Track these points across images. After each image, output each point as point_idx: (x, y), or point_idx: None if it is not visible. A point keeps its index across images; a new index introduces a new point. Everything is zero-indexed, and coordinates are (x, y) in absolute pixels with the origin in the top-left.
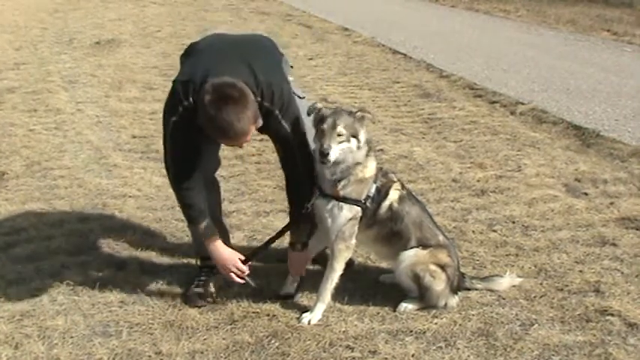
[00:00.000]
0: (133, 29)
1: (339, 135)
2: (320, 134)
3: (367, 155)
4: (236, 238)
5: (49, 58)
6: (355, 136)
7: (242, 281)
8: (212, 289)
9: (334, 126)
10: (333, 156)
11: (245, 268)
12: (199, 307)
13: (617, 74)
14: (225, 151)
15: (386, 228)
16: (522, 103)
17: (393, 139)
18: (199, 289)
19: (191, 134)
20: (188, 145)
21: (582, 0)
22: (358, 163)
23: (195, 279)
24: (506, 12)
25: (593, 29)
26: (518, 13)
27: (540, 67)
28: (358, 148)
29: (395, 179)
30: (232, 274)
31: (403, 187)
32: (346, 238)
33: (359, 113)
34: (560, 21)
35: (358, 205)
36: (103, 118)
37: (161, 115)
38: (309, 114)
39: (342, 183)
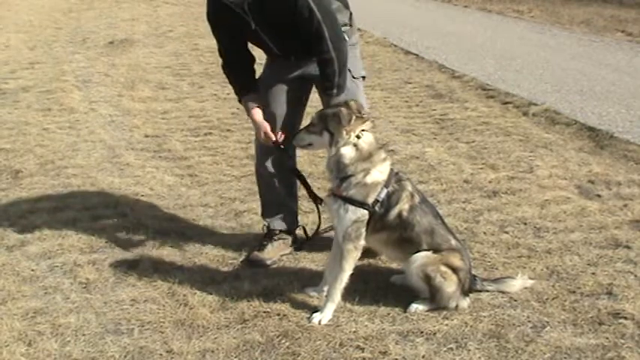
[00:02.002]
0: (146, 29)
1: (312, 124)
2: None
3: (368, 160)
4: (247, 237)
5: (63, 58)
6: (327, 130)
7: (271, 142)
8: (270, 253)
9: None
10: (294, 138)
11: (272, 137)
12: (260, 266)
13: (631, 75)
14: (236, 150)
15: (395, 234)
16: (535, 104)
17: (405, 140)
18: (260, 253)
19: (227, 21)
20: (227, 29)
21: (596, 0)
22: (353, 165)
23: (258, 242)
24: (520, 12)
25: (607, 30)
26: (531, 13)
27: (553, 68)
28: (331, 144)
29: (409, 187)
30: (263, 138)
31: (414, 195)
32: (353, 239)
33: (337, 109)
34: (574, 21)
35: (364, 208)
36: (115, 117)
37: (172, 115)
38: None
39: (344, 184)
